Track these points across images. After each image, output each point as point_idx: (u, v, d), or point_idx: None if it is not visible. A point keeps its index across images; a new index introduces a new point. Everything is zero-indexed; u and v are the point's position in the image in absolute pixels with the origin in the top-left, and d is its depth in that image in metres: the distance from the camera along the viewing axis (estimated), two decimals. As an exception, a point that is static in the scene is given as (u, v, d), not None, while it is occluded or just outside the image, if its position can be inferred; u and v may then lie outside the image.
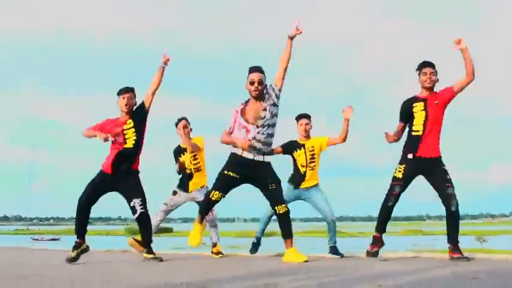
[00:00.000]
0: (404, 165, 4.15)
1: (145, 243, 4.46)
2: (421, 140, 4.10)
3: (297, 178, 4.99)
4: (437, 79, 4.15)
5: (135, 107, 4.45)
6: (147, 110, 4.49)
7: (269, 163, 4.19)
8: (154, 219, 5.09)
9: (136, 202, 4.30)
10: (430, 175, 4.12)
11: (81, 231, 4.37)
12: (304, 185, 4.96)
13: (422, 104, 4.12)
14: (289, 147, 5.06)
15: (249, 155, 4.06)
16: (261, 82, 4.07)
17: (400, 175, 4.16)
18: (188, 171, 5.28)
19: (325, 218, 4.92)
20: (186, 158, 5.31)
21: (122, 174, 4.33)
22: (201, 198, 4.96)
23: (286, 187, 4.88)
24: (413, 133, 4.16)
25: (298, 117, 5.10)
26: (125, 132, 4.36)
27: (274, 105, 4.09)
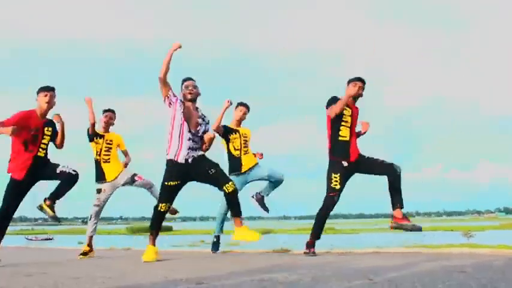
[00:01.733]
0: (339, 174, 4.32)
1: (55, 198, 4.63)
2: (349, 145, 4.37)
3: (235, 165, 5.27)
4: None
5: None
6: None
7: (202, 155, 4.34)
8: (92, 223, 5.48)
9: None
10: (359, 169, 4.39)
11: None
12: (244, 168, 5.24)
13: (350, 111, 4.41)
14: (225, 131, 5.33)
15: (183, 160, 4.22)
16: (195, 86, 4.35)
17: (338, 186, 4.32)
18: (99, 159, 5.49)
19: (278, 177, 5.26)
20: (101, 144, 5.51)
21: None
22: (122, 181, 5.35)
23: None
24: (340, 138, 4.38)
25: (239, 104, 5.48)
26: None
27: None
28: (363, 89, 4.43)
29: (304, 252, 4.47)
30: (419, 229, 4.27)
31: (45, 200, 4.58)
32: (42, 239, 33.75)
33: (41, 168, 4.48)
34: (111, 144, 5.53)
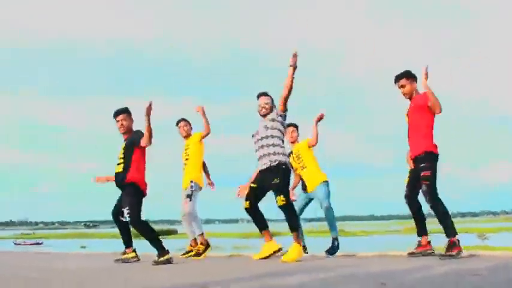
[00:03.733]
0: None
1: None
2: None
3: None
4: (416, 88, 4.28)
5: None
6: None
7: (275, 166, 4.38)
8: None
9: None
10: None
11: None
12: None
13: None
14: None
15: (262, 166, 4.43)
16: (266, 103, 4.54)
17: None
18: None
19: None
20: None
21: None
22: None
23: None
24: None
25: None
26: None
27: (273, 120, 4.48)
28: (402, 86, 4.28)
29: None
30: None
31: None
32: (30, 244, 33.74)
33: (122, 187, 4.64)
34: (187, 148, 5.62)
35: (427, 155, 4.05)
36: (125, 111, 4.74)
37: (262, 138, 4.44)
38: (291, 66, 4.32)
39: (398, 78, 4.32)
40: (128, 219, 4.48)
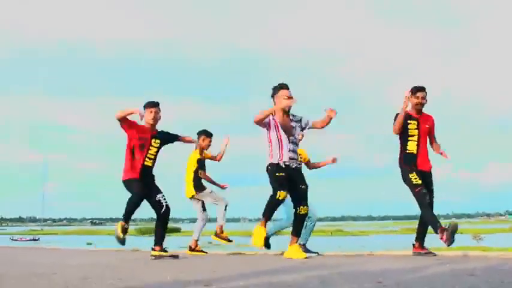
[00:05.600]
0: (415, 172, 4.41)
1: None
2: (416, 158, 4.46)
3: None
4: (426, 101, 4.54)
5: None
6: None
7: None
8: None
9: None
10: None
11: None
12: None
13: (415, 123, 4.50)
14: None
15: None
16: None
17: (419, 181, 4.39)
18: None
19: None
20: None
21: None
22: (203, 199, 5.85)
23: None
24: (407, 151, 4.49)
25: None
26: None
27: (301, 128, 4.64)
28: (423, 97, 4.50)
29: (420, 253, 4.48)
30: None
31: (153, 248, 4.78)
32: (28, 240, 34.04)
33: (150, 182, 4.75)
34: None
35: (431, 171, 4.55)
36: (158, 105, 4.81)
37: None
38: (329, 116, 4.53)
39: (423, 89, 4.51)
40: (166, 204, 4.69)
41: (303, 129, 4.64)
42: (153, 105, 4.75)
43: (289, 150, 4.48)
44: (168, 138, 4.89)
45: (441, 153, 4.61)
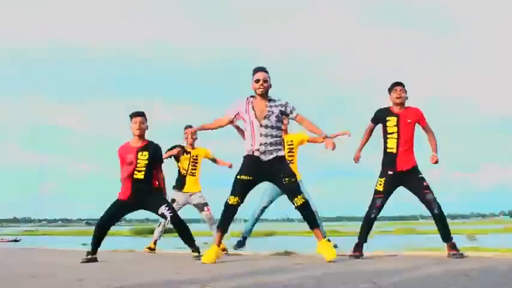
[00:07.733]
0: (384, 179, 4.35)
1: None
2: (396, 157, 4.33)
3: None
4: (407, 96, 4.42)
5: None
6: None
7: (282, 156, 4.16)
8: (159, 230, 6.12)
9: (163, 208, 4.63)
10: (408, 185, 4.35)
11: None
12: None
13: (395, 119, 4.36)
14: None
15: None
16: (266, 80, 4.15)
17: (381, 188, 4.36)
18: (184, 173, 5.97)
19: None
20: (186, 159, 5.98)
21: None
22: (195, 202, 5.88)
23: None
24: (388, 150, 4.39)
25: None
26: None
27: (281, 113, 4.15)
28: (401, 90, 4.39)
29: (350, 256, 4.40)
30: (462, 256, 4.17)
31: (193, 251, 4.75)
32: (8, 241, 33.89)
33: (146, 194, 4.65)
34: (197, 159, 6.05)
35: (417, 167, 4.37)
36: (144, 114, 4.76)
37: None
38: (326, 137, 4.20)
39: (399, 84, 4.43)
40: (169, 215, 4.59)
41: (286, 115, 4.18)
42: (137, 115, 4.70)
43: (261, 135, 4.04)
44: (155, 156, 4.72)
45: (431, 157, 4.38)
